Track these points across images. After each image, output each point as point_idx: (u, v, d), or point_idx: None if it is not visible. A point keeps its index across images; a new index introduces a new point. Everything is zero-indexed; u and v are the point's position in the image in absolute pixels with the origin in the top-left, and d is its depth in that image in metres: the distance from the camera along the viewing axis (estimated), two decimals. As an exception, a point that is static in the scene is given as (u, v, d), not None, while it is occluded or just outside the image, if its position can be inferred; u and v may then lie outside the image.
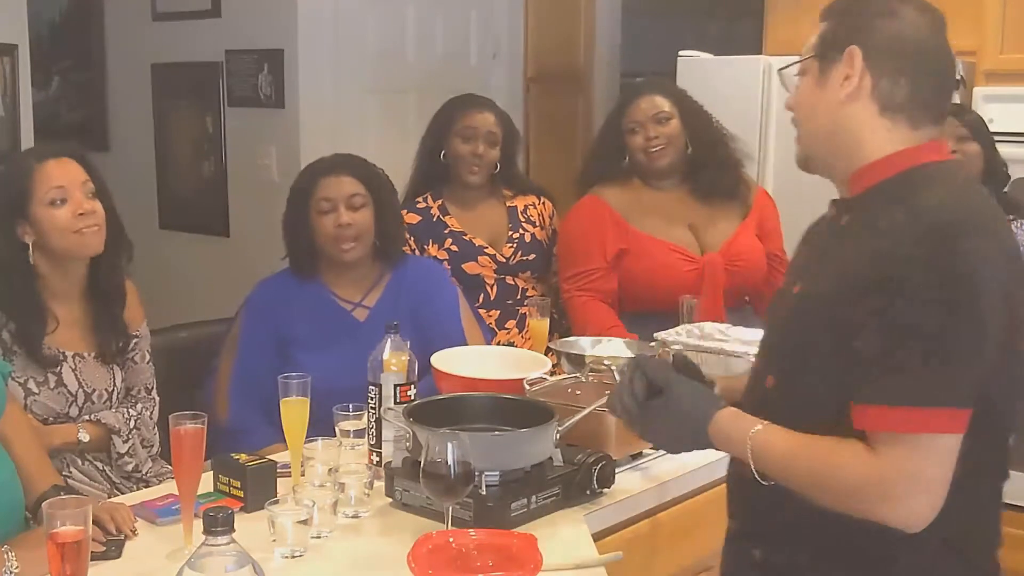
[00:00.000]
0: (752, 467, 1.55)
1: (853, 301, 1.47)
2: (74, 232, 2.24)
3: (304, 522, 1.79)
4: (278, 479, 2.02)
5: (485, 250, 3.17)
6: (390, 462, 2.06)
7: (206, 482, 1.97)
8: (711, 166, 3.12)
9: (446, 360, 2.41)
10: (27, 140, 3.63)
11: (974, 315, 1.41)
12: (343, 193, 2.65)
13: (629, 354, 2.51)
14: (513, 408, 2.09)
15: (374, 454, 2.17)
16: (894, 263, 1.44)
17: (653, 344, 2.56)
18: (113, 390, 2.38)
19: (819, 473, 1.49)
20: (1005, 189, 3.30)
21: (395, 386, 2.14)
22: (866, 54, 1.55)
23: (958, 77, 3.60)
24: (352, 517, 1.97)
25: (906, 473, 1.42)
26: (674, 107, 3.09)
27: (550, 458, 2.00)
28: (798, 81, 1.65)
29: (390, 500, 2.01)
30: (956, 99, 3.61)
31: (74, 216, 2.23)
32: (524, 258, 3.21)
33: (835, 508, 1.48)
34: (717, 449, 1.65)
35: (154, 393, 2.50)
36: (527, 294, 3.21)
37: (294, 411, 2.07)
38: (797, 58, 1.65)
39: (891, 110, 1.56)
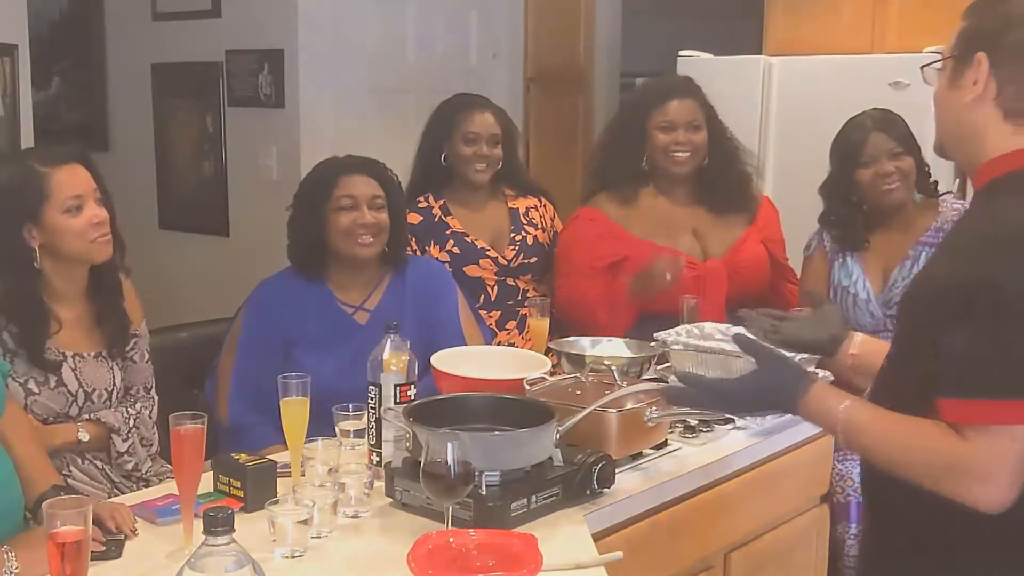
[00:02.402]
0: (840, 442, 1.66)
1: (940, 296, 1.55)
2: (90, 241, 2.26)
3: (304, 522, 1.79)
4: (278, 479, 2.03)
5: (487, 252, 3.16)
6: (390, 462, 2.06)
7: (206, 482, 1.97)
8: (722, 181, 3.12)
9: (446, 360, 2.41)
10: (27, 140, 3.63)
11: None
12: (366, 193, 2.65)
13: (629, 354, 2.52)
14: (513, 408, 2.09)
15: (374, 454, 2.17)
16: (977, 264, 1.51)
17: (653, 344, 2.56)
18: (113, 389, 2.38)
19: (910, 453, 1.56)
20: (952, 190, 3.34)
21: (395, 386, 2.14)
22: (992, 61, 1.58)
23: None
24: (352, 517, 1.97)
25: (992, 459, 1.49)
26: (703, 117, 3.08)
27: (550, 458, 2.00)
28: (937, 77, 1.68)
29: (390, 500, 2.01)
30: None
31: (89, 224, 2.25)
32: (525, 261, 3.21)
33: (920, 485, 1.55)
34: (801, 417, 1.73)
35: (153, 392, 2.50)
36: (528, 295, 3.21)
37: (294, 411, 2.07)
38: (937, 55, 1.69)
39: (1015, 115, 1.59)
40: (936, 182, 3.16)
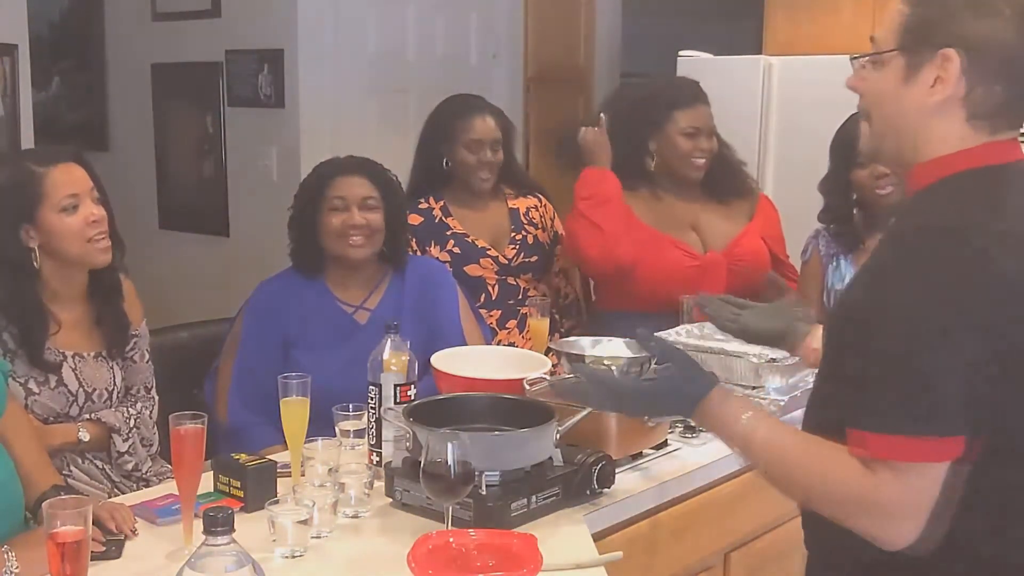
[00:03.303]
0: (738, 456, 1.53)
1: (848, 317, 1.45)
2: (87, 240, 2.25)
3: (304, 522, 1.79)
4: (278, 479, 2.03)
5: (487, 252, 3.17)
6: (390, 462, 2.06)
7: (206, 482, 1.97)
8: (720, 174, 3.15)
9: (446, 360, 2.41)
10: (27, 140, 3.63)
11: (951, 339, 1.35)
12: (357, 194, 2.65)
13: (629, 354, 2.51)
14: (513, 408, 2.09)
15: (374, 454, 2.17)
16: (876, 281, 1.42)
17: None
18: (113, 389, 2.38)
19: (812, 480, 1.47)
20: None
21: (395, 386, 2.14)
22: (964, 59, 1.43)
23: None
24: (352, 517, 1.97)
25: (897, 498, 1.40)
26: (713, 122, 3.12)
27: (550, 458, 2.00)
28: (871, 69, 1.53)
29: (390, 500, 2.01)
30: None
31: (86, 224, 2.24)
32: (526, 260, 3.21)
33: (821, 512, 1.47)
34: (698, 425, 1.63)
35: (153, 392, 2.50)
36: (528, 294, 3.21)
37: (294, 411, 2.07)
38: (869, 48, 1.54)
39: (978, 117, 1.46)
40: None
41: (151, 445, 2.43)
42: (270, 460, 2.05)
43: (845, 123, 3.08)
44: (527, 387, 2.28)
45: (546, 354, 2.65)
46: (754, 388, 2.44)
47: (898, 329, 1.37)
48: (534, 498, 1.92)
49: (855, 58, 1.57)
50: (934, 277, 1.36)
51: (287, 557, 1.78)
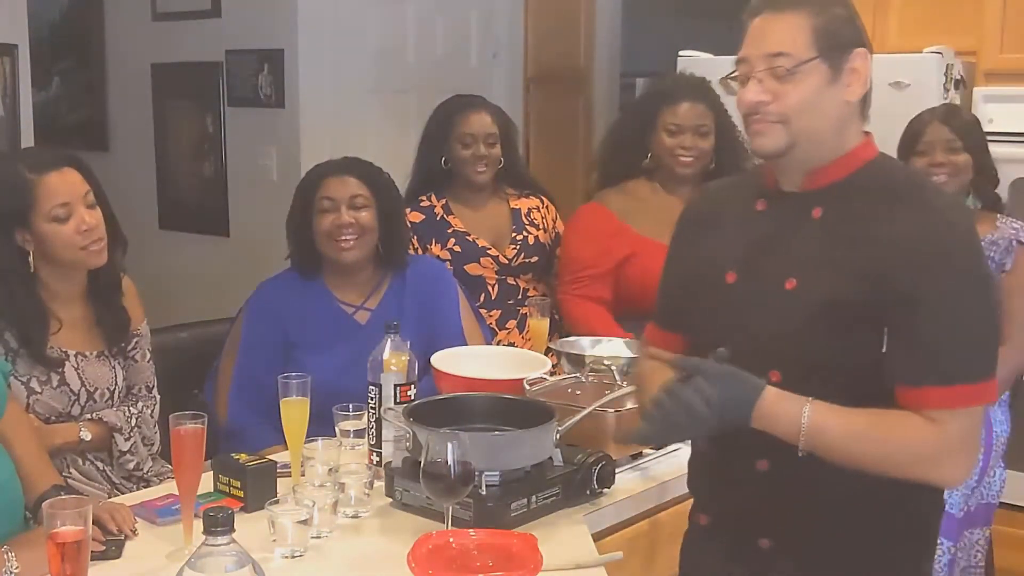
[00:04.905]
0: (801, 444, 1.58)
1: (885, 294, 1.56)
2: (80, 248, 2.24)
3: (304, 522, 1.80)
4: (278, 479, 2.03)
5: (488, 251, 3.17)
6: (390, 462, 2.07)
7: (206, 482, 1.97)
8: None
9: (446, 360, 2.41)
10: (27, 140, 3.63)
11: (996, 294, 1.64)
12: (345, 194, 2.65)
13: (629, 354, 2.52)
14: (513, 408, 2.09)
15: (374, 454, 2.17)
16: (927, 255, 1.55)
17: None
18: (115, 389, 2.38)
19: (885, 449, 1.58)
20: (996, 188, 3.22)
21: (395, 386, 2.15)
22: (869, 58, 1.65)
23: (957, 77, 3.59)
24: (352, 517, 1.97)
25: (965, 440, 1.58)
26: (713, 123, 3.08)
27: (550, 458, 2.00)
28: (774, 80, 1.65)
29: (390, 500, 2.02)
30: (956, 99, 3.60)
31: (77, 232, 2.23)
32: (526, 260, 3.21)
33: (892, 475, 1.58)
34: (757, 427, 1.60)
35: (155, 392, 2.50)
36: (528, 294, 3.21)
37: (294, 411, 2.08)
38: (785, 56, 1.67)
39: (863, 115, 1.69)
40: (998, 195, 3.00)
41: (152, 445, 2.43)
42: (270, 460, 2.05)
43: (911, 120, 2.99)
44: (527, 387, 2.28)
45: (546, 354, 2.66)
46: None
47: (972, 298, 1.57)
48: (534, 498, 1.92)
49: (740, 72, 1.75)
50: (978, 249, 1.63)
51: (287, 557, 1.78)
